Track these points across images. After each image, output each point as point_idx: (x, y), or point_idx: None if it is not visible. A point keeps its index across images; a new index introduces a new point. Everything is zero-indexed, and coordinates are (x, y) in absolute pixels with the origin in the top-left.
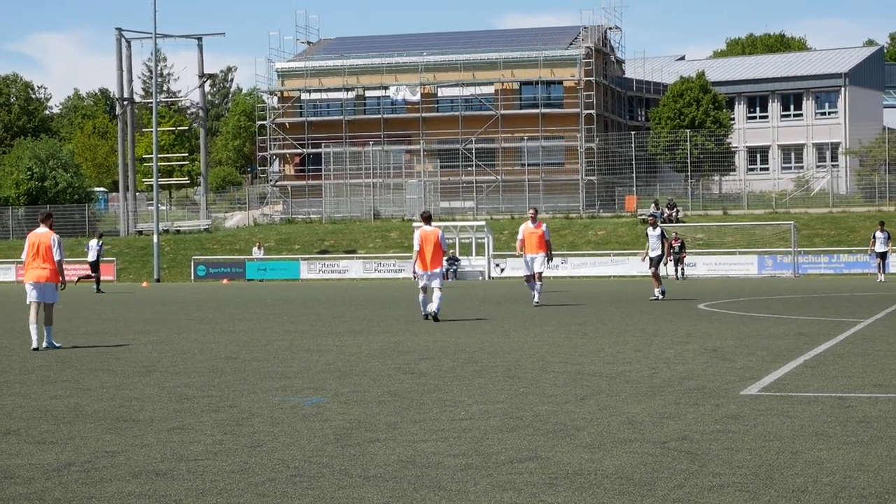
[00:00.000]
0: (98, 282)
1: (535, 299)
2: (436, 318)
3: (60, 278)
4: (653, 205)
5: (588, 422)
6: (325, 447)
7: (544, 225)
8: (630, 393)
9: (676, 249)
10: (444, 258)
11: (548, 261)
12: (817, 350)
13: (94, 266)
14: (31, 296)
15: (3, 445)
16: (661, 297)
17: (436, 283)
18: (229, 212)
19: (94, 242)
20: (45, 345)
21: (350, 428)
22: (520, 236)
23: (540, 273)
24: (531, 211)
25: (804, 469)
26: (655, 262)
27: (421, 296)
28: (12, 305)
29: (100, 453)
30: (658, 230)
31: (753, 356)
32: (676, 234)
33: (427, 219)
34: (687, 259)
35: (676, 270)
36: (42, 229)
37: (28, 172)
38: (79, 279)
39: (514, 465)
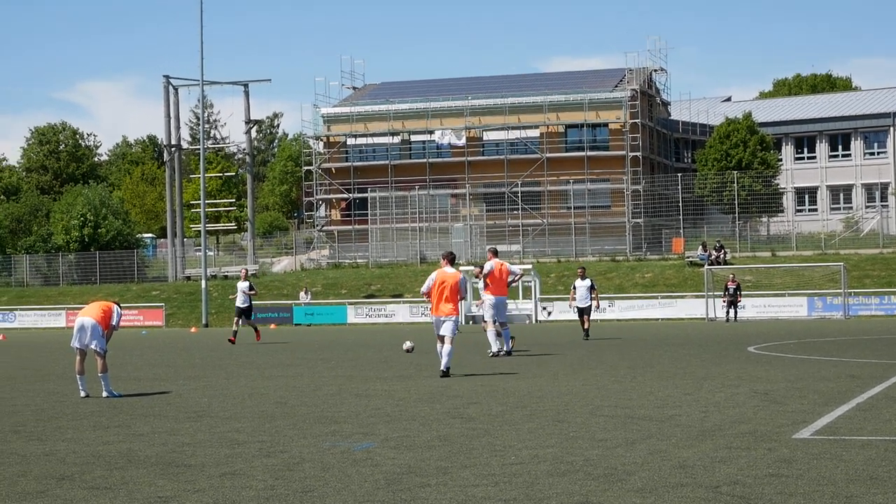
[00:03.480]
0: None
1: (502, 347)
2: (445, 374)
3: (107, 332)
4: (700, 247)
5: (639, 466)
6: (376, 492)
7: (487, 266)
8: (681, 437)
9: (731, 292)
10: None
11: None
12: (870, 393)
13: None
14: (75, 339)
15: (58, 491)
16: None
17: (447, 332)
18: (276, 257)
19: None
20: (104, 394)
21: (400, 473)
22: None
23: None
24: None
25: None
26: (586, 312)
27: (439, 346)
28: (63, 351)
29: (153, 499)
30: (588, 281)
31: (805, 399)
32: (733, 276)
33: (451, 260)
34: (740, 302)
35: (728, 313)
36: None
37: (80, 219)
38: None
39: None
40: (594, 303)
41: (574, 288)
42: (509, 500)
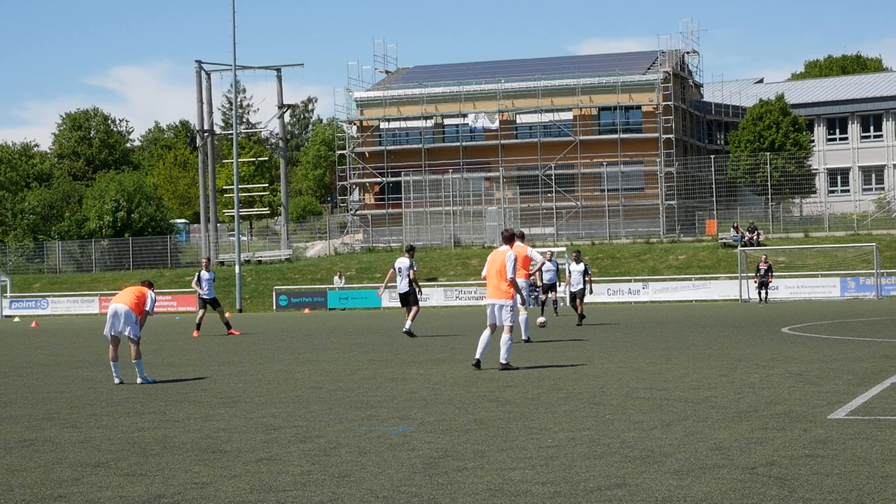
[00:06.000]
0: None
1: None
2: (504, 367)
3: (140, 319)
4: (733, 228)
5: (675, 448)
6: (413, 476)
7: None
8: (716, 418)
9: (763, 273)
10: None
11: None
12: None
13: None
14: (108, 327)
15: (93, 478)
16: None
17: (504, 321)
18: (310, 241)
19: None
20: (139, 381)
21: (437, 457)
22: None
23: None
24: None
25: None
26: (579, 296)
27: (486, 333)
28: (96, 338)
29: (189, 485)
30: (582, 265)
31: (839, 380)
32: (765, 257)
33: (506, 238)
34: (771, 282)
35: (760, 294)
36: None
37: (113, 204)
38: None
39: (602, 493)
40: (588, 286)
41: (569, 273)
42: (546, 483)
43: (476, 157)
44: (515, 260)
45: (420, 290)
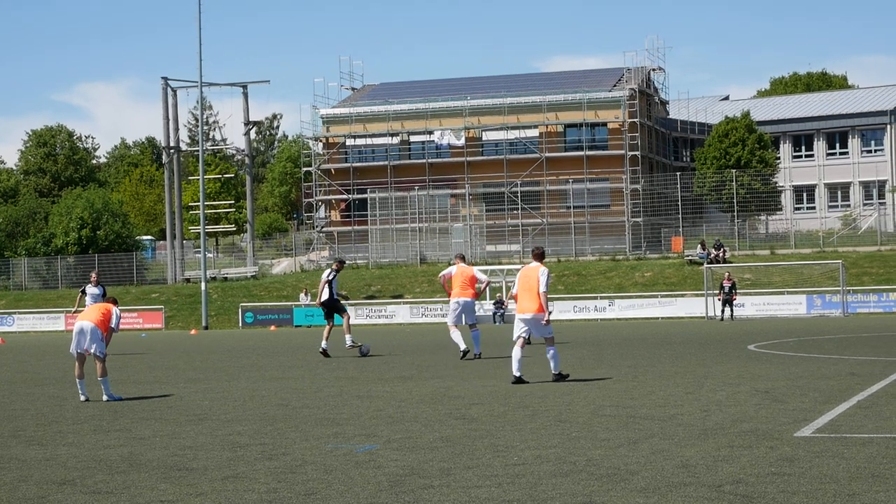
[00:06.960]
0: None
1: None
2: (557, 377)
3: (106, 335)
4: (699, 245)
5: (642, 466)
6: (380, 494)
7: (447, 270)
8: (683, 436)
9: (727, 290)
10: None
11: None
12: (870, 390)
13: None
14: (74, 345)
15: (59, 496)
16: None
17: (543, 334)
18: (276, 258)
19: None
20: (105, 398)
21: (403, 475)
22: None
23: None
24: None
25: None
26: None
27: (516, 349)
28: (62, 355)
29: (155, 503)
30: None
31: (806, 397)
32: (728, 274)
33: (538, 255)
34: (735, 300)
35: (723, 311)
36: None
37: (79, 221)
38: None
39: None
40: None
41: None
42: (512, 501)
43: (442, 173)
44: (549, 275)
45: (340, 304)
